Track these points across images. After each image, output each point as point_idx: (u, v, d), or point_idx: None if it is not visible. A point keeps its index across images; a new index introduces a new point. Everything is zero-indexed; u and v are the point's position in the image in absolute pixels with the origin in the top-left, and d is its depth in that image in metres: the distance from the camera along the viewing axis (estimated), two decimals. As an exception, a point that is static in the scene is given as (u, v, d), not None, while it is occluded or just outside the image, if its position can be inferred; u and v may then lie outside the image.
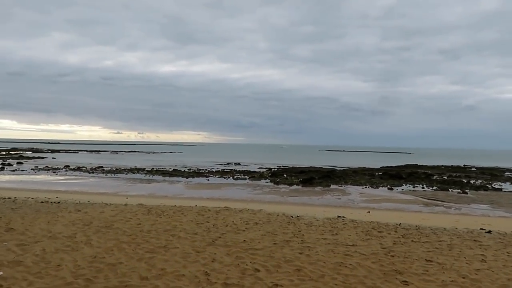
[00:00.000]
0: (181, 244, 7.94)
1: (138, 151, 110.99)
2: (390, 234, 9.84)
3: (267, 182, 32.88)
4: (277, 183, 32.10)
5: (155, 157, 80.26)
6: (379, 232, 10.08)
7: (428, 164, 63.14)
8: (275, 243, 8.38)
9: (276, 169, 44.66)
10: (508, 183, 38.41)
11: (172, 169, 42.27)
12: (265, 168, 47.30)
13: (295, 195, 25.41)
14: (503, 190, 32.45)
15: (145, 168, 42.90)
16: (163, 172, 38.37)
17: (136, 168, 43.61)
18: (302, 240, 8.77)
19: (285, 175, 37.94)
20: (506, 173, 50.40)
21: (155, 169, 41.85)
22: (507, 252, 8.18)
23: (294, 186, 30.35)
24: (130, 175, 35.82)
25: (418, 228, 11.03)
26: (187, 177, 34.75)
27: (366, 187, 30.98)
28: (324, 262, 7.04)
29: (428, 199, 25.25)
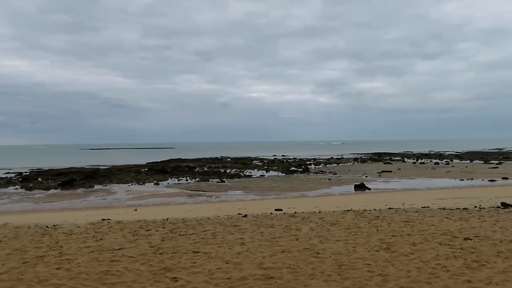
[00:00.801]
0: None
1: None
2: (158, 231, 9.72)
3: (16, 189, 28.32)
4: (30, 188, 28.07)
5: None
6: (147, 230, 9.82)
7: (191, 158, 67.14)
8: (25, 262, 7.05)
9: (28, 173, 39.04)
10: (256, 170, 44.50)
11: None
12: (14, 173, 40.62)
13: (53, 200, 22.71)
14: (252, 176, 37.35)
15: None
16: None
17: None
18: (60, 253, 7.67)
19: (39, 179, 33.56)
20: (254, 162, 58.35)
21: None
22: (261, 232, 9.21)
23: (52, 190, 27.16)
24: None
25: (185, 221, 11.31)
26: None
27: (132, 184, 30.45)
28: (87, 274, 6.29)
29: (192, 190, 26.67)
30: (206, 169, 44.29)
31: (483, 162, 53.35)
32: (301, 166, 47.63)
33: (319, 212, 12.60)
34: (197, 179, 33.83)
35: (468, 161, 55.63)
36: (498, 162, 52.17)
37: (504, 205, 12.92)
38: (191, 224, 10.57)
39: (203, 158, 66.34)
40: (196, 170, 42.33)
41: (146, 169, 41.99)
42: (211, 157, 70.13)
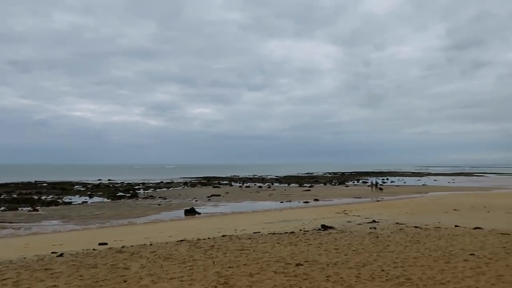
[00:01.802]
0: None
1: None
2: None
3: None
4: None
5: None
6: None
7: (-6, 182, 56.86)
8: None
9: None
10: (77, 196, 40.06)
11: None
12: None
13: None
14: (72, 203, 33.37)
15: None
16: None
17: None
18: None
19: None
20: (76, 187, 52.71)
21: None
22: (80, 276, 7.72)
23: None
24: None
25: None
26: None
27: None
28: None
29: (-6, 222, 22.11)
30: (16, 195, 37.92)
31: (298, 185, 59.50)
32: (129, 191, 45.06)
33: (150, 244, 11.52)
34: (2, 208, 28.47)
35: (286, 185, 61.30)
36: (310, 185, 58.93)
37: (324, 227, 14.09)
38: (-15, 271, 8.30)
39: (12, 183, 56.84)
40: (2, 197, 35.84)
41: None
42: (22, 182, 60.74)
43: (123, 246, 11.15)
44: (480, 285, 7.21)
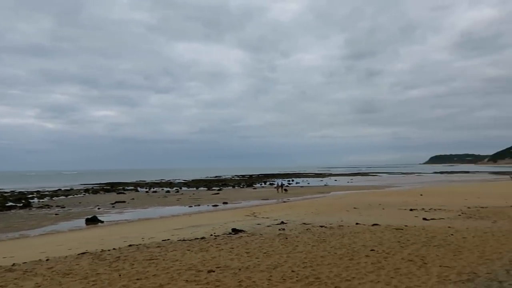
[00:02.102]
0: None
1: None
2: None
3: None
4: None
5: None
6: None
7: None
8: None
9: None
10: (-45, 208, 35.26)
11: None
12: None
13: None
14: (-50, 217, 29.25)
15: None
16: None
17: None
18: None
19: None
20: (-47, 197, 46.44)
21: None
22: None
23: None
24: None
25: None
26: None
27: None
28: None
29: None
30: None
31: (207, 189, 59.18)
32: (21, 200, 40.90)
33: (47, 259, 10.41)
34: None
35: (195, 188, 60.60)
36: (219, 188, 59.00)
37: (235, 231, 14.06)
38: None
39: None
40: None
41: None
42: None
43: (13, 264, 9.92)
44: (381, 279, 7.70)
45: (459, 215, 18.41)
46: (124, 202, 38.20)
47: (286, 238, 12.44)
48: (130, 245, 12.22)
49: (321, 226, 14.92)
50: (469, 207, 21.92)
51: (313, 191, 49.29)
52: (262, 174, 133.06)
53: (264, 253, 10.27)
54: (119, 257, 10.20)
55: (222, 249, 10.84)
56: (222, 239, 12.62)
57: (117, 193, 51.59)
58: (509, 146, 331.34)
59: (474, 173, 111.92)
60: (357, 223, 15.63)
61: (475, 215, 17.98)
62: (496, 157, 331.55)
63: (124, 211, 31.11)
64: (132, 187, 65.40)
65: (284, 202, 34.15)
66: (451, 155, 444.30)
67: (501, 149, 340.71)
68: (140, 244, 12.33)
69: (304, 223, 16.01)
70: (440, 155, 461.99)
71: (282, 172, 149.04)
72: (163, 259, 9.71)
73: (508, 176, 79.22)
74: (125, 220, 25.44)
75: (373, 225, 15.01)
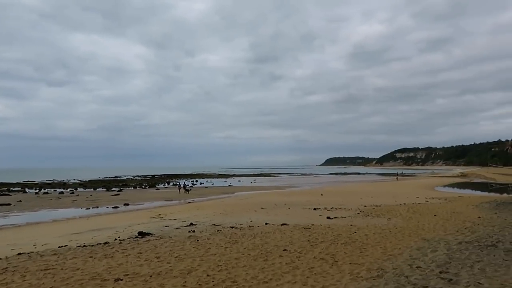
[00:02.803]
0: None
1: None
2: None
3: None
4: None
5: None
6: None
7: None
8: None
9: None
10: None
11: None
12: None
13: None
14: None
15: None
16: None
17: None
18: None
19: None
20: None
21: None
22: None
23: None
24: None
25: None
26: None
27: None
28: None
29: None
30: None
31: (105, 189, 55.77)
32: None
33: None
34: None
35: (92, 189, 56.74)
36: (119, 189, 55.95)
37: (141, 234, 13.22)
38: None
39: None
40: None
41: None
42: None
43: None
44: (297, 279, 7.71)
45: (358, 213, 19.62)
46: (9, 204, 34.18)
47: (197, 240, 12.02)
48: (19, 254, 10.75)
49: (232, 227, 14.76)
50: (365, 206, 23.56)
51: (218, 191, 49.20)
52: (165, 174, 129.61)
53: (176, 257, 9.75)
54: (6, 268, 8.86)
55: (129, 255, 10.05)
56: (128, 243, 11.75)
57: (0, 195, 46.14)
58: (393, 150, 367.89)
59: (364, 175, 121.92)
60: (266, 223, 15.77)
61: (371, 213, 19.31)
62: (382, 160, 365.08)
63: (10, 214, 27.80)
64: (19, 188, 59.10)
65: (189, 203, 33.42)
66: (344, 157, 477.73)
67: (386, 153, 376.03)
68: (32, 252, 10.92)
69: (214, 224, 15.70)
70: (335, 157, 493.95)
71: (186, 172, 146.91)
72: (61, 268, 8.66)
73: (394, 177, 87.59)
74: (11, 224, 22.67)
75: (282, 224, 15.27)
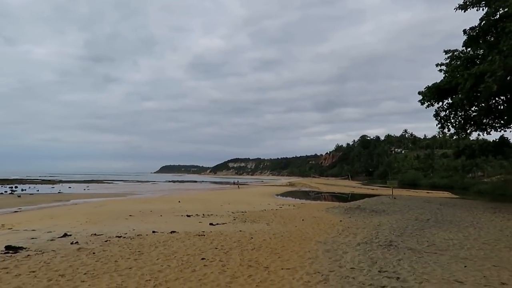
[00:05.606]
0: None
1: None
2: None
3: None
4: None
5: None
6: None
7: None
8: None
9: None
10: None
11: None
12: None
13: None
14: None
15: None
16: None
17: None
18: None
19: None
20: None
21: None
22: None
23: None
24: None
25: None
26: None
27: None
28: None
29: None
30: None
31: None
32: None
33: None
34: None
35: None
36: None
37: (11, 248, 10.63)
38: None
39: None
40: None
41: None
42: None
43: None
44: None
45: (234, 219, 19.80)
46: None
47: (93, 253, 10.33)
48: None
49: (118, 237, 13.18)
50: (232, 212, 23.96)
51: (49, 199, 43.12)
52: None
53: (85, 274, 8.19)
54: None
55: (20, 275, 8.01)
56: (3, 260, 9.32)
57: None
58: (226, 160, 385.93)
59: (201, 182, 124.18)
60: (154, 231, 14.58)
61: (246, 219, 19.70)
62: (216, 169, 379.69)
63: None
64: None
65: (16, 212, 27.84)
66: (179, 165, 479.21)
67: (219, 162, 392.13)
68: None
69: (94, 234, 13.73)
70: (170, 165, 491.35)
71: (0, 177, 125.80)
72: None
73: (234, 185, 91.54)
74: None
75: (172, 232, 14.35)
